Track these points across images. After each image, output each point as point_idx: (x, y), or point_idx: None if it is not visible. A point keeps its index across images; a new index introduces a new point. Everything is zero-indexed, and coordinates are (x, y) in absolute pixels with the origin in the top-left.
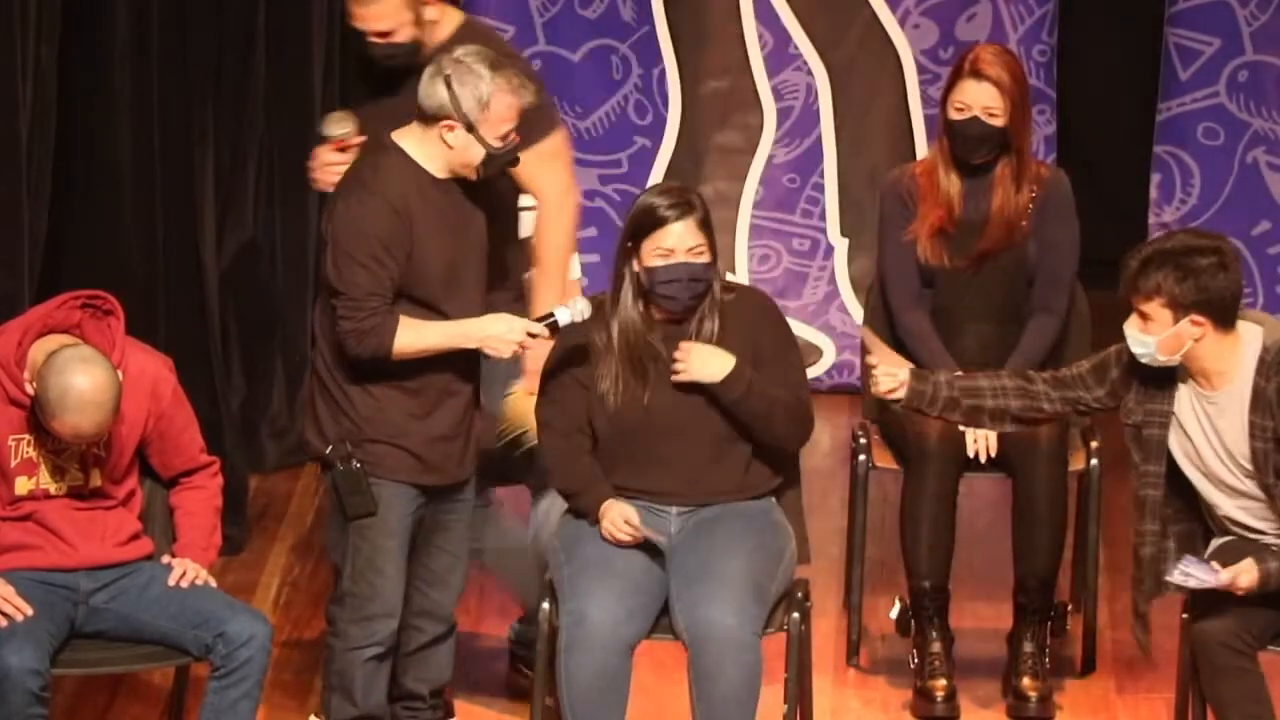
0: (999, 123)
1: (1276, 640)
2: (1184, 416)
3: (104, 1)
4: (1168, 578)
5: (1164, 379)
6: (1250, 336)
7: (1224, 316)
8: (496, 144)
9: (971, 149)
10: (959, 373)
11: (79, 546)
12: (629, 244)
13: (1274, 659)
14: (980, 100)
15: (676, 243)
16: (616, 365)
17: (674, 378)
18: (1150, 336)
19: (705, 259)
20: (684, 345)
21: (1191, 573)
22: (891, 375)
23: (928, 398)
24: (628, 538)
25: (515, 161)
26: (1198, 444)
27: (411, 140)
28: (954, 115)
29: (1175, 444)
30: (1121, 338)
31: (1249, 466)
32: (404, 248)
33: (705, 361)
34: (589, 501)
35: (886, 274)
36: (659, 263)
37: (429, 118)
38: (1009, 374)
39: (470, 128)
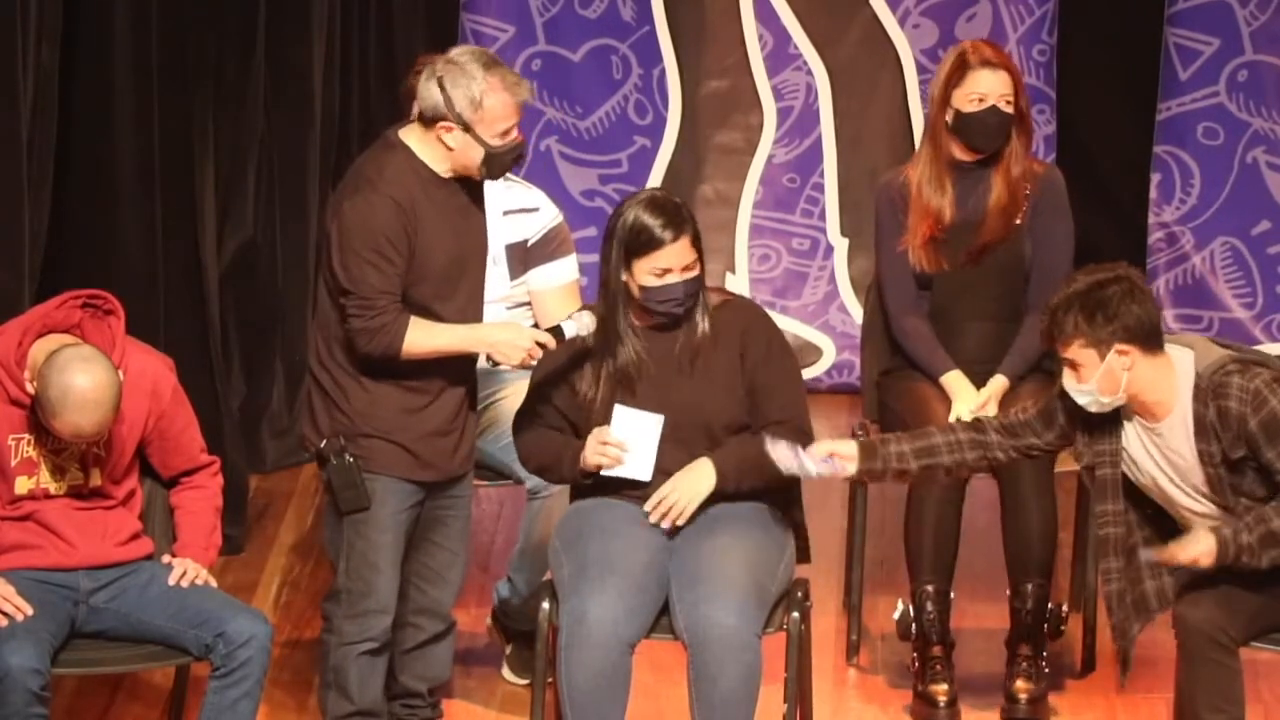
0: (1012, 110)
1: (1262, 636)
2: (1135, 452)
3: (104, 1)
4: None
5: (1108, 418)
6: (1183, 363)
7: (1147, 341)
8: (496, 142)
9: (991, 137)
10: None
11: (79, 546)
12: (621, 257)
13: (1272, 657)
14: (997, 89)
15: (672, 262)
16: (603, 372)
17: (665, 525)
18: (1087, 384)
19: (696, 273)
20: (658, 502)
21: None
22: (843, 457)
23: (878, 471)
24: (612, 458)
25: (520, 160)
26: (1155, 476)
27: (416, 139)
28: (971, 107)
29: (1133, 478)
30: None
31: (1206, 490)
32: (408, 245)
33: (691, 487)
34: (567, 463)
35: (882, 279)
36: (654, 282)
37: (427, 120)
38: (962, 426)
39: (466, 128)
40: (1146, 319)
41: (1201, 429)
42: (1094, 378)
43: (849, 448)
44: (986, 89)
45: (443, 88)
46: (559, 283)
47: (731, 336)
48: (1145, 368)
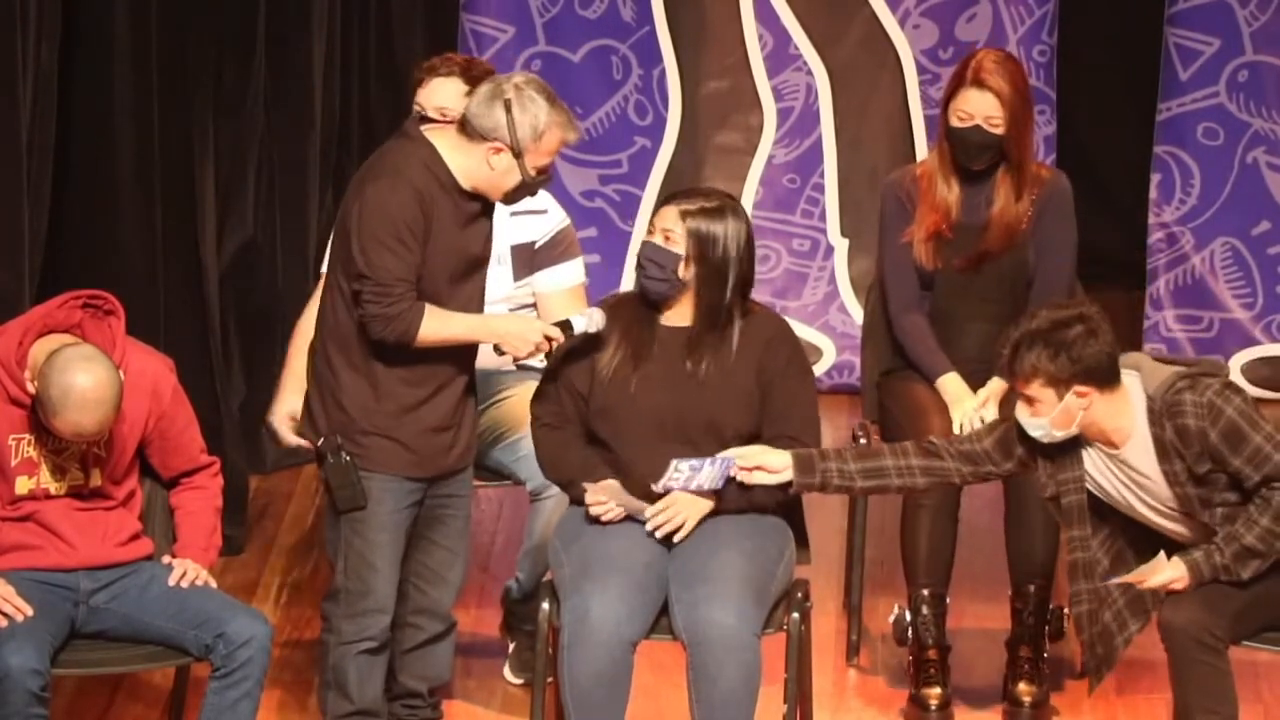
0: (1000, 131)
1: (1251, 635)
2: (1099, 477)
3: (104, 1)
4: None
5: (1068, 446)
6: (1134, 387)
7: (1105, 380)
8: (533, 174)
9: (972, 156)
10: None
11: (79, 546)
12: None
13: (1271, 657)
14: (982, 110)
15: (658, 221)
16: (618, 342)
17: (659, 534)
18: (1042, 418)
19: (674, 249)
20: (658, 512)
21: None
22: (770, 470)
23: (816, 486)
24: (613, 516)
25: (534, 193)
26: (1125, 496)
27: (446, 143)
28: (955, 122)
29: (1107, 501)
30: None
31: (1177, 506)
32: (425, 236)
33: (692, 504)
34: (579, 489)
35: (885, 276)
36: (645, 238)
37: (477, 135)
38: (915, 450)
39: (518, 155)
40: (1106, 358)
41: (1163, 450)
42: (1050, 414)
43: (780, 460)
44: (972, 109)
45: (509, 111)
46: (565, 285)
47: (753, 346)
48: (1101, 405)
